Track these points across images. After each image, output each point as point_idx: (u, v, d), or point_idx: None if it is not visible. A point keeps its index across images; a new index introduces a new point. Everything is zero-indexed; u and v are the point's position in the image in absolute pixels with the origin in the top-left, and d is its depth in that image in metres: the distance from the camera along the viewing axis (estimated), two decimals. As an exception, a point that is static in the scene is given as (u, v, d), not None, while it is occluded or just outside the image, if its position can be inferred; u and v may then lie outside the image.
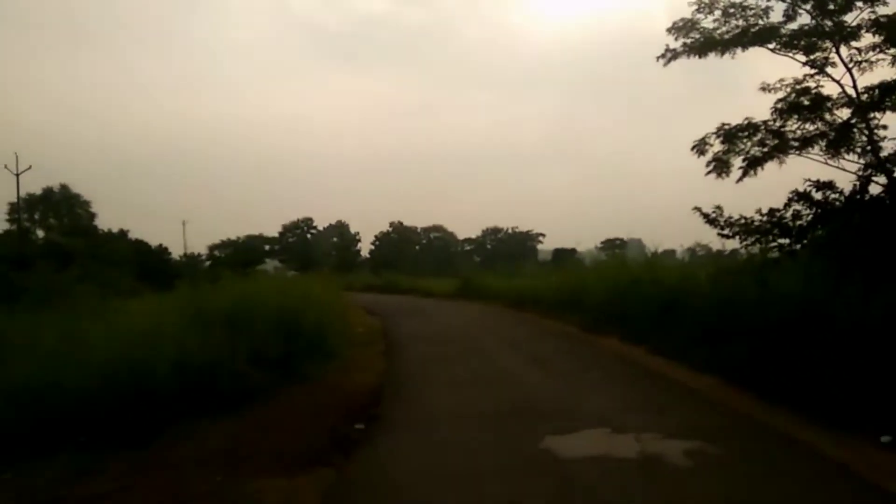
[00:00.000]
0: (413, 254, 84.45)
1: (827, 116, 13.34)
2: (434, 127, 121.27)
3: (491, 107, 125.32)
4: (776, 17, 13.59)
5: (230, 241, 75.46)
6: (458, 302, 27.85)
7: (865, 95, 12.70)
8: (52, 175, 64.16)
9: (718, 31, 14.11)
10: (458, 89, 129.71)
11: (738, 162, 14.08)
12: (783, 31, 13.53)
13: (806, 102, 13.45)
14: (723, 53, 14.27)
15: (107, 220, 65.28)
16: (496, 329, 17.14)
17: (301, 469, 6.04)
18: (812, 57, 13.28)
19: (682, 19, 14.33)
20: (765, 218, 11.91)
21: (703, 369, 9.74)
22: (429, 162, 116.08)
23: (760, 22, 13.78)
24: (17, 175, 45.12)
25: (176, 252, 62.03)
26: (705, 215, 12.40)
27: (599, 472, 5.65)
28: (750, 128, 13.61)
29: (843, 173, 12.62)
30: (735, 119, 13.92)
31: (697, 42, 14.28)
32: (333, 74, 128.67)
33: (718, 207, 12.33)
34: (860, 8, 12.65)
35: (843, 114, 13.19)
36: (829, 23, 13.05)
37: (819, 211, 11.15)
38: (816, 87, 13.43)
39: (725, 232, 12.28)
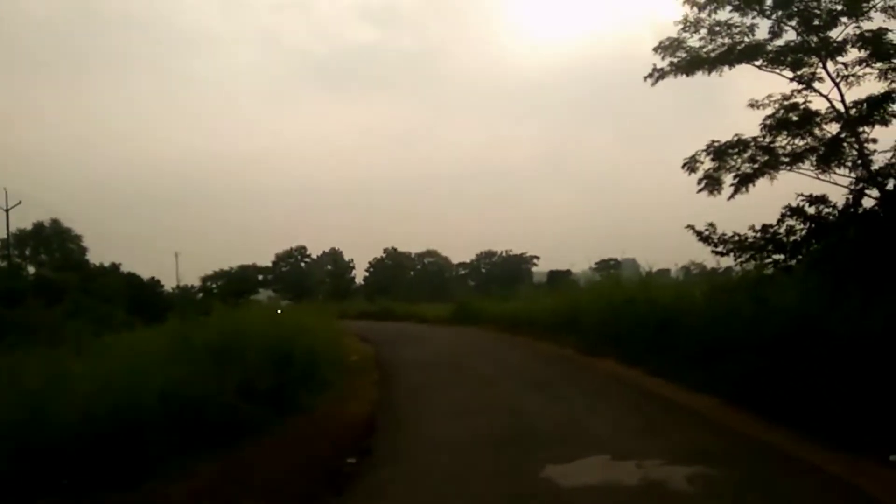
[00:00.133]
0: (407, 279, 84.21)
1: (816, 131, 13.37)
2: (426, 152, 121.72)
3: (482, 131, 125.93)
4: (762, 34, 13.69)
5: (223, 272, 75.12)
6: (454, 327, 27.62)
7: (854, 109, 12.73)
8: (43, 210, 63.67)
9: (705, 50, 14.18)
10: (450, 114, 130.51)
11: (729, 179, 14.09)
12: (769, 47, 13.61)
13: (795, 118, 13.48)
14: (710, 71, 14.34)
15: (98, 254, 64.93)
16: (491, 354, 16.92)
17: (291, 508, 5.81)
18: (799, 73, 13.34)
19: (668, 38, 14.41)
20: (758, 234, 11.83)
21: (701, 389, 9.58)
22: (422, 187, 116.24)
23: (746, 39, 13.86)
24: (7, 210, 44.90)
25: (169, 284, 61.57)
26: (699, 233, 12.31)
27: (602, 502, 5.45)
28: (740, 144, 13.62)
29: (835, 187, 12.61)
30: (725, 136, 13.96)
31: (684, 61, 14.34)
32: (324, 103, 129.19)
33: (711, 225, 12.26)
34: (845, 23, 12.74)
35: (833, 128, 13.24)
36: (815, 38, 13.13)
37: (813, 225, 11.07)
38: (804, 103, 13.48)
39: (719, 249, 12.20)
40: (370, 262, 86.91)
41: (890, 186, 11.16)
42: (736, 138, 13.66)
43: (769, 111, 13.79)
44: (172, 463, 7.29)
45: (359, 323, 31.74)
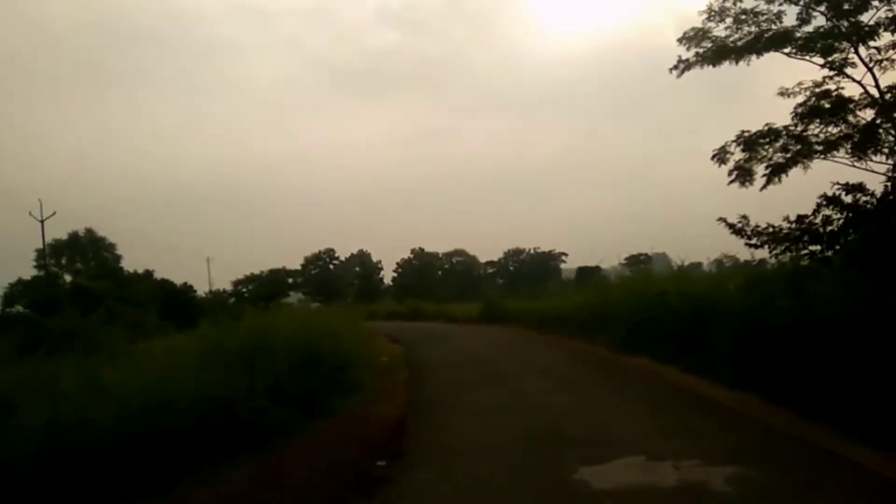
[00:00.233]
0: (436, 279, 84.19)
1: (850, 118, 13.02)
2: (451, 153, 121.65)
3: (507, 129, 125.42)
4: (789, 20, 13.38)
5: (254, 276, 75.87)
6: (482, 326, 27.50)
7: (889, 94, 12.37)
8: (78, 219, 65.11)
9: (731, 39, 13.92)
10: (474, 114, 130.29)
11: (760, 169, 13.80)
12: (798, 34, 13.29)
13: (827, 105, 13.14)
14: (737, 61, 14.08)
15: (132, 262, 66.19)
16: (521, 353, 16.78)
17: (322, 512, 5.79)
18: (830, 59, 13.00)
19: (692, 29, 14.20)
20: (793, 225, 11.48)
21: (737, 386, 9.32)
22: (448, 187, 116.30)
23: (774, 27, 13.58)
24: (42, 221, 45.90)
25: (201, 289, 62.45)
26: (731, 226, 12.01)
27: (638, 505, 5.31)
28: (771, 134, 13.33)
29: (872, 175, 12.26)
30: (753, 127, 13.67)
31: (710, 51, 14.10)
32: (349, 107, 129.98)
33: (744, 217, 11.95)
34: (876, 7, 12.39)
35: (867, 114, 12.88)
36: (846, 23, 12.78)
37: (850, 215, 10.70)
38: (837, 90, 13.14)
39: (753, 241, 11.87)
40: (398, 263, 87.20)
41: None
42: (767, 128, 13.38)
43: (800, 99, 13.50)
44: (204, 467, 7.33)
45: (388, 323, 31.82)
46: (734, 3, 13.61)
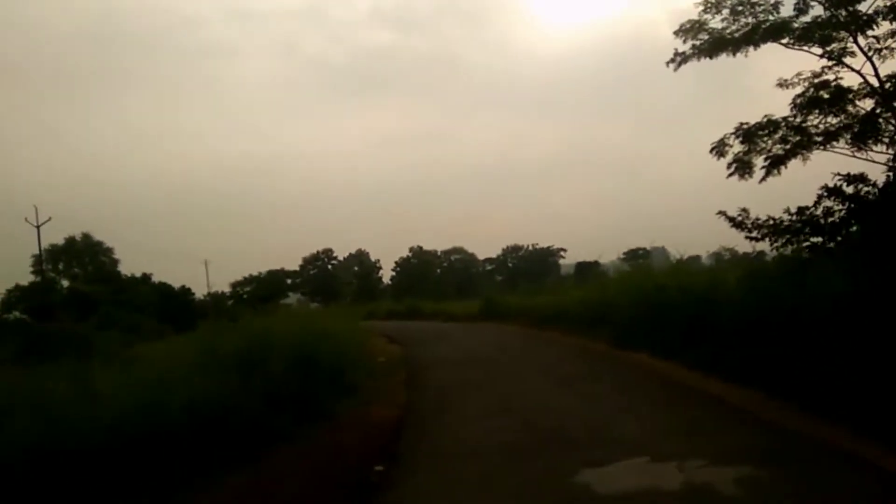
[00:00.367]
0: (434, 277, 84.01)
1: (850, 108, 12.86)
2: (448, 150, 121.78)
3: (503, 126, 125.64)
4: (787, 11, 13.20)
5: (252, 278, 75.79)
6: (481, 324, 27.33)
7: (889, 83, 12.20)
8: (75, 224, 64.85)
9: (728, 31, 13.73)
10: (470, 112, 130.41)
11: (759, 161, 13.63)
12: (795, 24, 13.11)
13: (826, 96, 12.98)
14: (734, 53, 13.90)
15: (130, 266, 65.86)
16: (520, 351, 16.62)
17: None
18: (829, 48, 12.83)
19: (689, 21, 14.01)
20: (794, 217, 11.35)
21: (741, 381, 9.14)
22: (446, 185, 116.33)
23: (771, 17, 13.39)
24: (38, 227, 45.65)
25: (199, 292, 62.32)
26: (731, 219, 11.88)
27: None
28: (770, 125, 13.16)
29: (874, 165, 12.11)
30: (750, 120, 13.50)
31: (707, 43, 13.93)
32: (346, 107, 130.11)
33: (744, 210, 11.81)
34: (874, -5, 12.20)
35: (867, 104, 12.72)
36: (844, 13, 12.60)
37: (852, 206, 10.56)
38: (836, 80, 12.98)
39: (754, 234, 11.74)
40: (396, 262, 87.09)
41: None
42: (766, 119, 13.20)
43: (799, 90, 13.33)
44: (198, 475, 7.16)
45: (386, 323, 31.67)
46: (730, -6, 13.42)
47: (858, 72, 12.55)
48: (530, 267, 79.74)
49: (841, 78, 12.97)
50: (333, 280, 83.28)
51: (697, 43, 13.89)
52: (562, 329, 19.54)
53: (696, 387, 9.76)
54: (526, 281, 50.28)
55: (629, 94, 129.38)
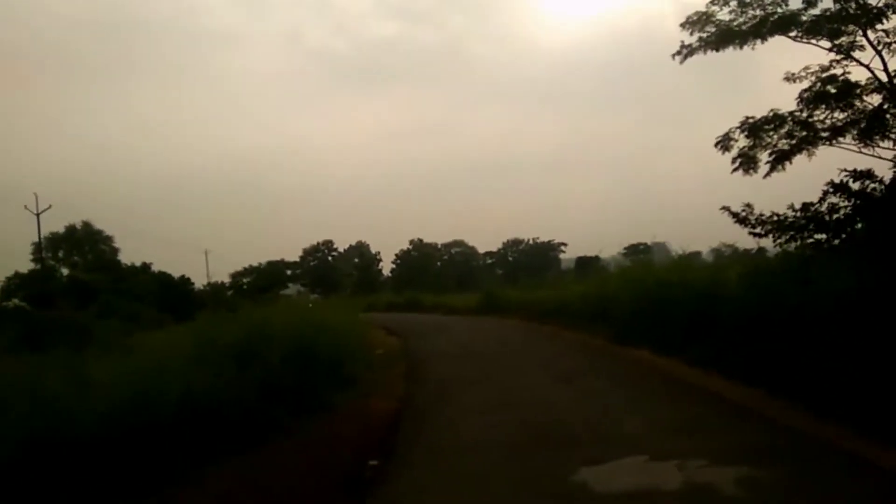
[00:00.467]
0: (434, 270, 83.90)
1: (857, 103, 12.68)
2: (450, 143, 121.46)
3: (506, 119, 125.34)
4: (795, 3, 13.01)
5: (252, 268, 75.68)
6: (481, 317, 27.27)
7: (897, 79, 12.02)
8: (75, 212, 64.77)
9: (735, 23, 13.54)
10: (473, 104, 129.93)
11: (764, 156, 13.48)
12: (804, 17, 12.92)
13: (833, 91, 12.80)
14: (741, 46, 13.72)
15: (130, 255, 65.78)
16: (520, 345, 16.53)
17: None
18: (837, 42, 12.64)
19: (696, 13, 13.85)
20: (798, 213, 11.19)
21: (743, 379, 9.04)
22: (448, 178, 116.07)
23: (779, 10, 13.19)
24: (38, 214, 45.55)
25: (199, 282, 62.23)
26: (734, 214, 11.71)
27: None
28: (776, 119, 12.98)
29: (880, 162, 11.94)
30: (755, 115, 13.33)
31: (714, 35, 13.74)
32: (349, 99, 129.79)
33: (748, 205, 11.63)
34: (885, -12, 11.99)
35: (875, 99, 12.54)
36: (854, 5, 12.40)
37: (858, 202, 10.40)
38: (843, 74, 12.79)
39: (757, 230, 11.57)
40: (397, 254, 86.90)
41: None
42: (772, 113, 13.02)
43: (805, 84, 13.16)
44: (193, 467, 7.07)
45: (386, 315, 31.61)
46: (739, -14, 13.23)
47: (867, 66, 12.38)
48: (531, 261, 79.57)
49: (849, 73, 12.79)
50: (333, 272, 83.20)
51: (704, 35, 13.71)
52: (562, 324, 19.48)
53: (696, 384, 9.66)
54: (526, 275, 50.13)
55: (633, 89, 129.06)
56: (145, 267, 58.02)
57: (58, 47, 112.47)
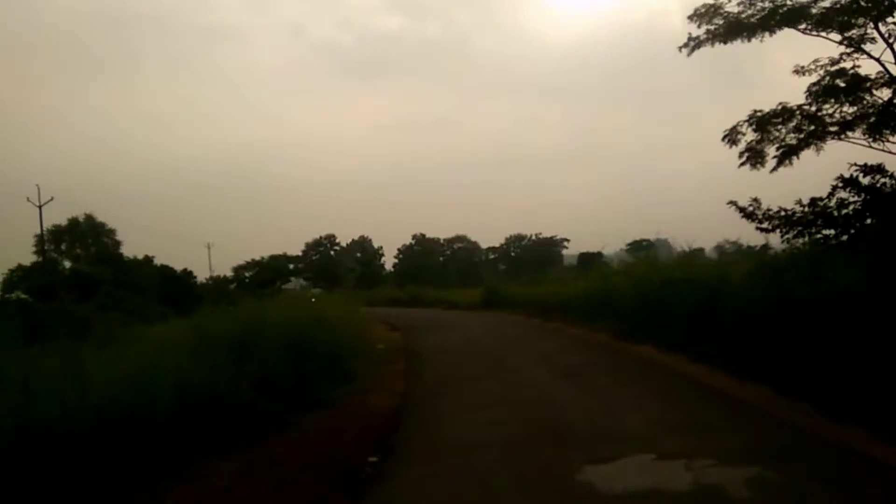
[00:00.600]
0: (437, 265, 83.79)
1: (867, 97, 12.46)
2: (454, 138, 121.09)
3: (509, 114, 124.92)
4: (806, -5, 12.77)
5: (255, 262, 75.49)
6: (483, 312, 27.10)
7: (909, 72, 11.80)
8: (77, 206, 64.69)
9: (744, 15, 13.32)
10: (477, 99, 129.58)
11: (772, 151, 13.28)
12: (814, 10, 12.69)
13: (842, 84, 12.58)
14: (749, 38, 13.50)
15: (133, 248, 65.76)
16: (522, 340, 16.36)
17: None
18: (848, 34, 12.41)
19: (704, 5, 13.63)
20: (806, 208, 11.01)
21: (749, 377, 8.85)
22: (450, 173, 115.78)
23: (789, 2, 12.97)
24: (40, 207, 45.44)
25: (202, 275, 62.15)
26: (741, 209, 11.55)
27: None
28: (784, 113, 12.77)
29: (890, 157, 11.74)
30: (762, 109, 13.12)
31: (722, 28, 13.53)
32: (353, 92, 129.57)
33: (756, 200, 11.48)
34: (896, -20, 11.76)
35: (885, 93, 12.32)
36: (865, -3, 12.16)
37: (868, 197, 10.20)
38: (853, 68, 12.58)
39: (764, 225, 11.41)
40: (399, 249, 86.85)
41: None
42: (780, 107, 12.82)
43: (814, 78, 12.95)
44: (187, 462, 6.93)
45: (388, 310, 31.47)
46: (748, -23, 13.00)
47: (878, 59, 12.15)
48: (533, 257, 79.44)
49: (858, 66, 12.59)
50: (336, 266, 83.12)
51: (712, 27, 13.50)
52: (564, 319, 19.29)
53: (701, 381, 9.48)
54: (529, 270, 50.00)
55: (637, 84, 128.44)
56: (148, 260, 57.93)
57: (62, 40, 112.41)
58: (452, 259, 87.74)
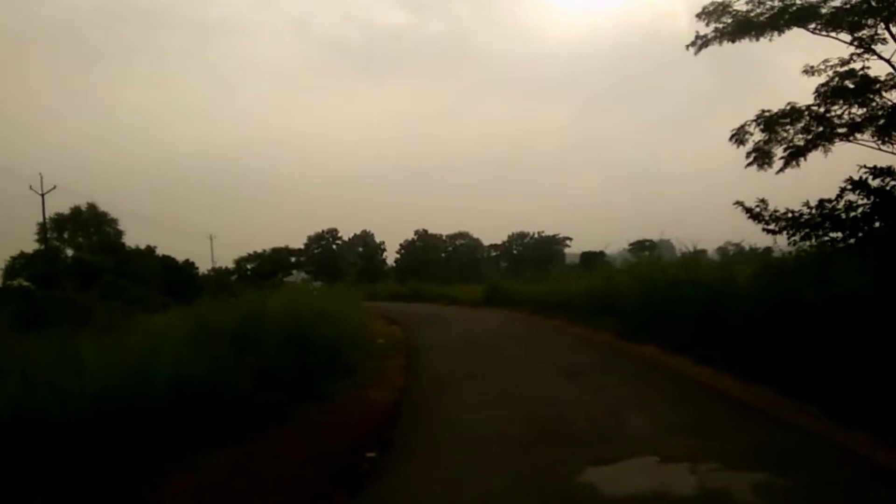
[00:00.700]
0: (439, 261, 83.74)
1: (876, 99, 12.34)
2: (457, 134, 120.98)
3: (513, 112, 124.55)
4: (816, -6, 12.64)
5: (257, 255, 75.43)
6: (485, 309, 27.02)
7: (919, 75, 11.68)
8: (81, 195, 64.74)
9: (753, 14, 13.19)
10: (480, 96, 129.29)
11: (779, 152, 13.16)
12: (824, 9, 12.56)
13: (851, 86, 12.46)
14: (758, 37, 13.37)
15: (135, 238, 65.67)
16: (523, 338, 16.27)
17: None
18: (858, 35, 12.29)
19: (712, 3, 13.50)
20: (814, 210, 10.91)
21: (755, 379, 8.73)
22: (454, 169, 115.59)
23: (798, 1, 12.83)
24: (43, 195, 45.47)
25: (204, 267, 62.18)
26: (748, 210, 11.44)
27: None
28: (793, 113, 12.66)
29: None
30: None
31: (730, 26, 13.40)
32: (355, 88, 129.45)
33: (763, 201, 11.39)
34: (908, -20, 11.64)
35: (895, 96, 12.21)
36: (876, -2, 12.04)
37: (877, 200, 10.09)
38: (863, 69, 12.46)
39: (771, 227, 11.31)
40: (401, 244, 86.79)
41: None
42: (788, 107, 12.70)
43: (823, 78, 12.83)
44: (184, 453, 6.85)
45: (389, 305, 31.40)
46: (758, -24, 12.87)
47: (888, 61, 12.03)
48: (535, 254, 79.32)
49: (868, 67, 12.47)
50: (337, 260, 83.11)
51: (720, 26, 13.38)
52: (566, 317, 19.20)
53: (706, 382, 9.39)
54: (530, 268, 49.87)
55: (641, 85, 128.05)
56: (150, 250, 57.91)
57: (66, 34, 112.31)
58: (454, 255, 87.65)
